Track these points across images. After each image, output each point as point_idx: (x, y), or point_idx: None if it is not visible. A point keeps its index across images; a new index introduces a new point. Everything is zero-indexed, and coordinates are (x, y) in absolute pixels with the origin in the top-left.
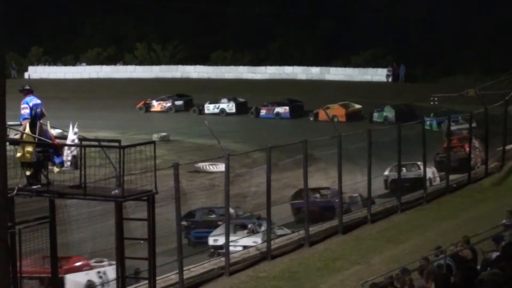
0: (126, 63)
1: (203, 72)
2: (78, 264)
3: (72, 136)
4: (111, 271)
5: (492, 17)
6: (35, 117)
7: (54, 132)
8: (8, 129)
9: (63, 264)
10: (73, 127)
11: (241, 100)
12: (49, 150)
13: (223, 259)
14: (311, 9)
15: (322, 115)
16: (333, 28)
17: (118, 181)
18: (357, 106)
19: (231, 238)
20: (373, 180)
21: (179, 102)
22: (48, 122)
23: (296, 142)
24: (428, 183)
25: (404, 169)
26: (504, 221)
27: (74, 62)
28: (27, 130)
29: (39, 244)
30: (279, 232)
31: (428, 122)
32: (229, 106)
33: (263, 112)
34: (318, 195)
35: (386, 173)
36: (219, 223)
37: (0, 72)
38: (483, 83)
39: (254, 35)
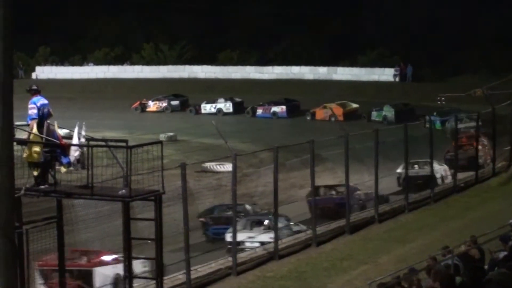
0: (133, 63)
1: (210, 72)
2: (106, 257)
3: (76, 137)
4: (137, 265)
5: (500, 16)
6: (42, 117)
7: (62, 132)
8: (15, 129)
9: (92, 257)
10: (80, 128)
11: (238, 99)
12: (57, 150)
13: (230, 259)
14: (318, 9)
15: (319, 115)
16: (340, 28)
17: (125, 181)
18: (354, 105)
19: (248, 234)
20: (381, 180)
21: (175, 102)
22: (56, 122)
23: (303, 142)
24: (440, 181)
25: (416, 167)
26: (511, 220)
27: (81, 62)
28: (35, 130)
29: (47, 244)
30: (295, 228)
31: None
32: (226, 106)
33: (259, 111)
34: (334, 192)
35: (399, 170)
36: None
37: (7, 73)
38: (490, 82)
39: (261, 35)
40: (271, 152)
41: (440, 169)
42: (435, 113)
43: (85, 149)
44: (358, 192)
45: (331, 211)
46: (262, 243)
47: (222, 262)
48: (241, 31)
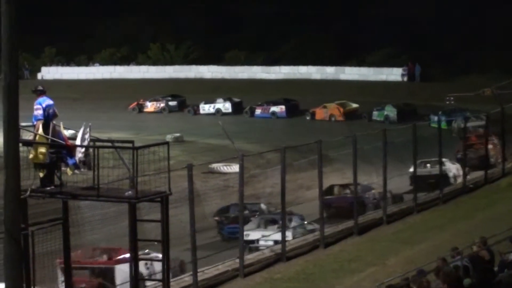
0: (139, 63)
1: (217, 72)
2: (127, 255)
3: (80, 138)
4: (157, 263)
5: (509, 15)
6: (48, 118)
7: (67, 133)
8: (21, 130)
9: (114, 255)
10: (85, 128)
11: (237, 100)
12: (62, 151)
13: (237, 260)
14: (325, 8)
15: (319, 114)
16: (348, 27)
17: (131, 182)
18: (354, 105)
19: (262, 232)
20: (392, 180)
21: (173, 103)
22: (61, 123)
23: (311, 142)
24: (453, 180)
25: (428, 166)
26: None
27: (87, 62)
28: (40, 131)
29: (52, 246)
30: (309, 227)
31: (435, 119)
32: (225, 106)
33: (258, 111)
34: (348, 190)
35: (412, 169)
36: (252, 218)
37: (13, 73)
38: (499, 82)
39: (268, 34)
40: (278, 152)
41: (453, 168)
42: (440, 112)
43: (90, 150)
44: (372, 191)
45: (345, 210)
46: (276, 242)
47: (229, 263)
48: (248, 31)
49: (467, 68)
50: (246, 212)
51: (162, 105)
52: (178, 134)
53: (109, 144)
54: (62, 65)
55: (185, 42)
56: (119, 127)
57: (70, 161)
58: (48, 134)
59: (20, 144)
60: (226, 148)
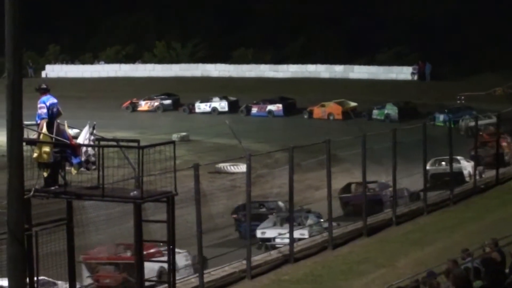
0: (145, 61)
1: (224, 70)
2: (151, 251)
3: (83, 137)
4: (181, 258)
5: None
6: (51, 117)
7: (72, 132)
8: (24, 129)
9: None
10: (89, 127)
11: (233, 98)
12: (67, 150)
13: (244, 262)
14: (334, 6)
15: (317, 113)
16: (357, 25)
17: (137, 182)
18: (353, 103)
19: (279, 231)
20: (405, 179)
21: (167, 102)
22: (66, 122)
23: (319, 142)
24: (468, 178)
25: (444, 164)
26: None
27: (92, 60)
28: (44, 130)
29: (56, 247)
30: (325, 225)
31: (441, 118)
32: (221, 105)
33: (254, 110)
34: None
35: (427, 167)
36: (269, 216)
37: (17, 72)
38: (511, 81)
39: (277, 32)
40: (286, 152)
41: (468, 166)
42: (446, 111)
43: (95, 149)
44: (390, 189)
45: (361, 207)
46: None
47: (236, 265)
48: (256, 28)
49: (478, 67)
50: (264, 209)
51: (156, 104)
52: (184, 133)
53: (114, 143)
54: (67, 63)
55: (192, 40)
56: (124, 126)
57: (74, 161)
58: (52, 133)
59: (24, 143)
60: (234, 148)
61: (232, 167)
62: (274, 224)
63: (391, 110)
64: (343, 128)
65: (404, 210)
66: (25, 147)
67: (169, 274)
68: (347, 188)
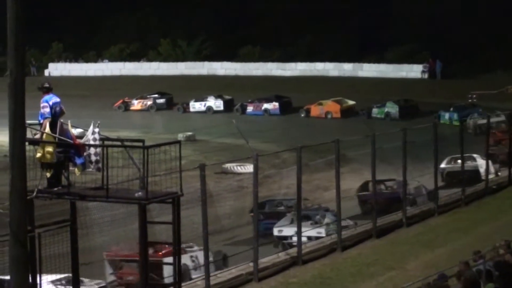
0: (149, 59)
1: (230, 68)
2: (170, 249)
3: (89, 136)
4: (202, 256)
5: None
6: (55, 116)
7: (75, 131)
8: (27, 129)
9: (158, 249)
10: (94, 127)
11: (228, 97)
12: (70, 150)
13: (251, 264)
14: (343, 3)
15: (314, 111)
16: (366, 23)
17: (141, 183)
18: (351, 102)
19: (295, 229)
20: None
21: (160, 101)
22: (69, 121)
23: (327, 141)
24: (484, 176)
25: (459, 161)
26: None
27: (96, 58)
28: (47, 129)
29: (60, 249)
30: (342, 223)
31: (446, 116)
32: (216, 104)
33: (249, 109)
34: (383, 186)
35: (442, 165)
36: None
37: (19, 70)
38: None
39: (284, 30)
40: (293, 152)
41: (484, 164)
42: (451, 109)
43: (98, 149)
44: (409, 186)
45: (381, 205)
46: (310, 238)
47: (243, 267)
48: (263, 26)
49: (489, 65)
50: (282, 208)
51: (149, 103)
52: (190, 133)
53: (119, 143)
54: (70, 61)
55: (198, 37)
56: (129, 125)
57: (78, 161)
58: (55, 133)
59: (27, 143)
60: (241, 148)
61: (239, 168)
62: (291, 222)
63: (391, 108)
64: (345, 127)
65: (415, 211)
66: (28, 147)
67: (175, 276)
68: (364, 186)
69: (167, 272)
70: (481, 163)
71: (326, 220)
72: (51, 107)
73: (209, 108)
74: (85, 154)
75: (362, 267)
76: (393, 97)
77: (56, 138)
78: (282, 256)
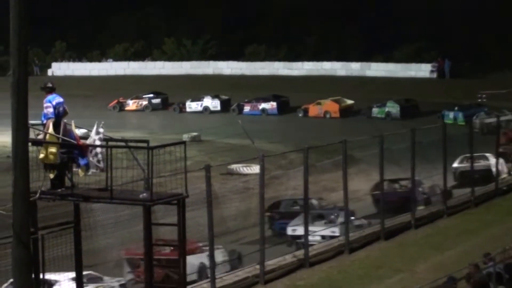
0: (154, 59)
1: (236, 68)
2: (192, 247)
3: (94, 137)
4: (218, 254)
5: None
6: (58, 116)
7: (79, 132)
8: (30, 129)
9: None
10: (97, 127)
11: (225, 97)
12: (74, 151)
13: (257, 266)
14: (351, 1)
15: (312, 111)
16: (375, 21)
17: (146, 184)
18: (349, 101)
19: (310, 228)
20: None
21: (156, 101)
22: (73, 121)
23: (334, 142)
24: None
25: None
26: None
27: (99, 58)
28: (51, 130)
29: (63, 251)
30: (356, 222)
31: (451, 116)
32: (213, 104)
33: (246, 108)
34: (397, 185)
35: (455, 165)
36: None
37: (22, 70)
38: None
39: (291, 28)
40: (300, 153)
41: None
42: (456, 108)
43: (102, 150)
44: (423, 185)
45: (395, 204)
46: (323, 237)
47: (249, 270)
48: (269, 24)
49: (499, 64)
50: (297, 207)
51: (145, 103)
52: (195, 133)
53: (123, 143)
54: (74, 60)
55: (203, 36)
56: (133, 125)
57: (81, 162)
58: (58, 133)
59: (30, 144)
60: (246, 148)
61: (244, 168)
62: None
63: (392, 108)
64: (347, 127)
65: (424, 213)
66: (31, 148)
67: (180, 279)
68: (379, 185)
69: (189, 269)
70: (494, 162)
71: (341, 219)
72: (54, 107)
73: (206, 108)
74: (92, 155)
75: (370, 269)
76: (402, 97)
77: (60, 139)
78: (289, 258)
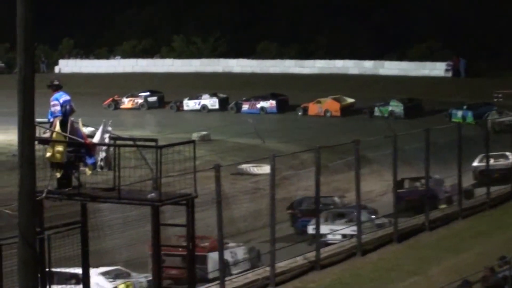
0: (163, 56)
1: (247, 66)
2: (215, 244)
3: (99, 136)
4: (240, 251)
5: None
6: (65, 114)
7: (86, 130)
8: (36, 127)
9: (200, 243)
10: (105, 126)
11: (223, 95)
12: (81, 150)
13: (268, 268)
14: None
15: (312, 110)
16: (387, 19)
17: (155, 184)
18: (350, 99)
19: (330, 227)
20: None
21: (152, 99)
22: (80, 119)
23: (347, 142)
24: None
25: (492, 160)
26: None
27: (107, 55)
28: (58, 128)
29: (70, 251)
30: (378, 221)
31: (459, 115)
32: (211, 102)
33: (245, 107)
34: (418, 183)
35: (475, 164)
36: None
37: (29, 67)
38: None
39: (302, 26)
40: (311, 153)
41: None
42: (464, 107)
43: (111, 149)
44: (445, 184)
45: (416, 202)
46: (344, 236)
47: (260, 272)
48: (280, 21)
49: None
50: (320, 206)
51: (140, 101)
52: (204, 132)
53: (131, 142)
54: (81, 57)
55: (212, 33)
56: (142, 124)
57: (89, 161)
58: (65, 132)
59: (36, 142)
60: (257, 148)
61: (255, 169)
62: (326, 220)
63: (395, 107)
64: (351, 126)
65: (438, 215)
66: (37, 146)
67: (189, 281)
68: (400, 183)
69: (212, 265)
70: None
71: (362, 218)
72: (61, 105)
73: (204, 107)
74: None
75: (383, 272)
76: (415, 96)
77: (67, 137)
78: (300, 260)
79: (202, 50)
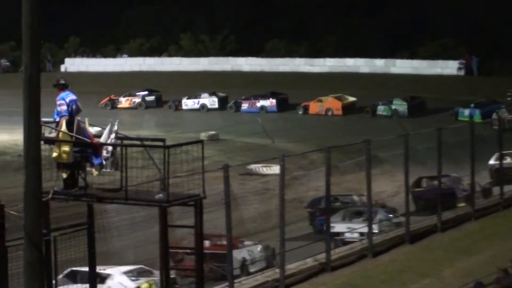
0: (170, 54)
1: (256, 64)
2: (234, 242)
3: (106, 135)
4: (256, 250)
5: None
6: (71, 114)
7: (93, 130)
8: (42, 127)
9: (215, 241)
10: (112, 125)
11: (222, 94)
12: (87, 150)
13: (277, 270)
14: None
15: (313, 108)
16: (399, 16)
17: (162, 184)
18: (351, 98)
19: (347, 225)
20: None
21: (150, 98)
22: (87, 119)
23: (358, 142)
24: None
25: (508, 158)
26: None
27: (114, 53)
28: (64, 128)
29: (76, 253)
30: (395, 220)
31: (466, 113)
32: (210, 101)
33: (244, 106)
34: (436, 182)
35: (491, 162)
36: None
37: (34, 66)
38: None
39: (312, 23)
40: (321, 153)
41: None
42: (472, 105)
43: (117, 149)
44: (464, 182)
45: (434, 201)
46: (362, 234)
47: (269, 274)
48: (289, 19)
49: None
50: (338, 204)
51: (138, 100)
52: (213, 132)
53: (138, 142)
54: (88, 56)
55: (220, 32)
56: (149, 123)
57: (95, 161)
58: (72, 132)
59: (42, 142)
60: (266, 148)
61: (264, 169)
62: (343, 219)
63: (399, 105)
64: (354, 125)
65: (450, 215)
66: (43, 146)
67: (197, 283)
68: (418, 183)
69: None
70: None
71: (379, 217)
72: (67, 105)
73: (203, 106)
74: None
75: (394, 274)
76: (427, 95)
77: (73, 137)
78: (310, 262)
79: (210, 49)
